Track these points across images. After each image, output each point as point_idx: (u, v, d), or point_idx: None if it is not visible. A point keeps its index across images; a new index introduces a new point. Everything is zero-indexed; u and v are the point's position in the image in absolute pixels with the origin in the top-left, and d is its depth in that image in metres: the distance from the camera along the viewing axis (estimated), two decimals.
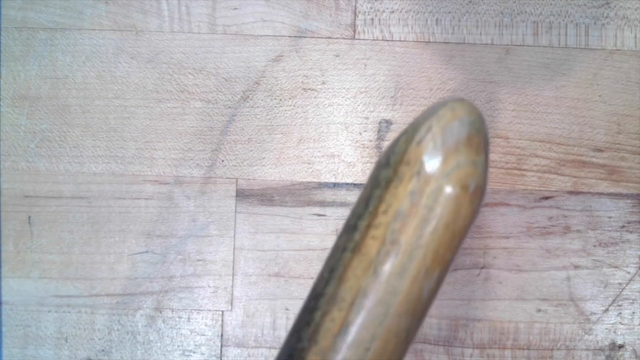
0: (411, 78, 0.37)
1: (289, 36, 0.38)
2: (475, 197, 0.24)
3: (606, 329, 0.36)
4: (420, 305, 0.25)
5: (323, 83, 0.37)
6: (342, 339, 0.24)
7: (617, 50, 0.37)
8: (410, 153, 0.24)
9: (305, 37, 0.38)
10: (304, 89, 0.37)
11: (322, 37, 0.38)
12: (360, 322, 0.24)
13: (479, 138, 0.25)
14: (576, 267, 0.37)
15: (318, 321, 0.24)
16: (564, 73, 0.37)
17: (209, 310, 0.37)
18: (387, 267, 0.24)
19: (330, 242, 0.37)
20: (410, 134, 0.24)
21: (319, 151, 0.37)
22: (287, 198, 0.37)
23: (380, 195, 0.24)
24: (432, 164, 0.24)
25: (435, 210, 0.24)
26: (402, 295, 0.24)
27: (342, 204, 0.37)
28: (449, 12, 0.38)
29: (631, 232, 0.37)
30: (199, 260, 0.37)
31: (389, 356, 0.25)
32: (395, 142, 0.26)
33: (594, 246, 0.37)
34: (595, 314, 0.36)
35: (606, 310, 0.37)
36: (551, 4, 0.38)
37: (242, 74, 0.38)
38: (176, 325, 0.37)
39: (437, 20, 0.38)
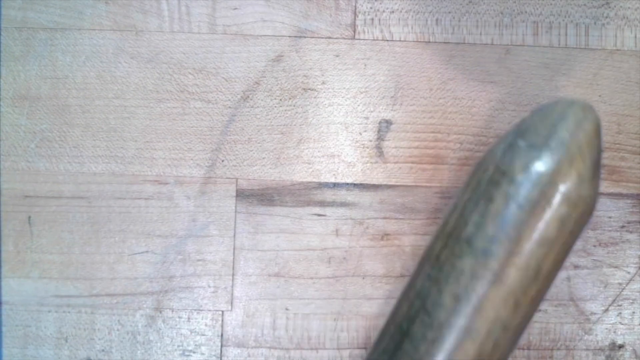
0: (411, 78, 0.37)
1: (289, 36, 0.38)
2: (593, 212, 0.24)
3: (606, 329, 0.36)
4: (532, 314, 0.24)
5: (323, 83, 0.37)
6: None
7: (617, 50, 0.37)
8: (562, 176, 0.22)
9: (305, 37, 0.38)
10: (304, 89, 0.37)
11: (322, 37, 0.38)
12: (494, 351, 0.23)
13: (595, 149, 0.24)
14: (576, 267, 0.37)
15: (448, 354, 0.22)
16: (564, 73, 0.37)
17: (209, 310, 0.37)
18: (528, 296, 0.22)
19: (330, 242, 0.37)
20: (556, 152, 0.22)
21: (319, 151, 0.37)
22: (287, 198, 0.37)
23: (525, 220, 0.22)
24: (582, 188, 0.22)
25: (576, 233, 0.23)
26: (530, 316, 0.23)
27: (342, 204, 0.37)
28: (449, 12, 0.38)
29: (631, 232, 0.37)
30: (199, 260, 0.37)
31: None
32: (531, 153, 0.23)
33: (594, 246, 0.37)
34: (595, 314, 0.36)
35: (606, 310, 0.37)
36: (551, 4, 0.38)
37: (242, 74, 0.38)
38: (176, 325, 0.37)
39: (437, 20, 0.38)
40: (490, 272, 0.22)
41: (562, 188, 0.22)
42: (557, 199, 0.22)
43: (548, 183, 0.22)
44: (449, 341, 0.22)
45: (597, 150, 0.23)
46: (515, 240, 0.22)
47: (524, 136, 0.24)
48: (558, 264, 0.23)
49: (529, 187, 0.22)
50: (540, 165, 0.23)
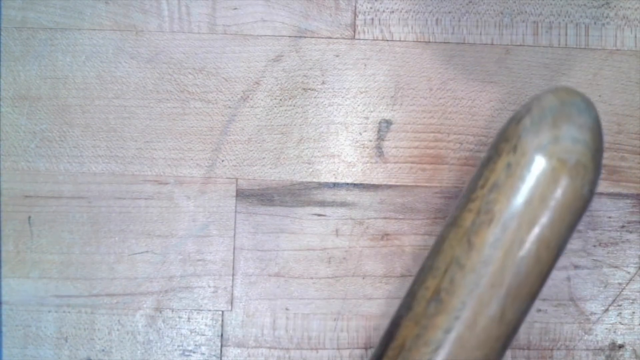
0: (411, 78, 0.37)
1: (289, 36, 0.38)
2: (576, 172, 0.24)
3: (606, 329, 0.36)
4: (517, 282, 0.24)
5: (323, 83, 0.37)
6: (434, 306, 0.24)
7: (617, 50, 0.37)
8: (510, 131, 0.25)
9: (305, 37, 0.38)
10: (304, 89, 0.37)
11: (322, 37, 0.38)
12: (451, 290, 0.24)
13: (583, 118, 0.24)
14: (576, 267, 0.37)
15: (414, 289, 0.25)
16: (564, 73, 0.37)
17: (209, 310, 0.37)
18: (480, 237, 0.24)
19: (330, 242, 0.37)
20: (513, 116, 0.25)
21: (319, 151, 0.37)
22: (287, 198, 0.37)
23: (480, 172, 0.25)
24: (528, 138, 0.24)
25: (529, 181, 0.24)
26: (495, 266, 0.24)
27: (342, 204, 0.37)
28: (449, 12, 0.38)
29: (631, 232, 0.37)
30: (199, 260, 0.37)
31: (479, 331, 0.24)
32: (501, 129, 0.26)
33: (594, 246, 0.37)
34: (595, 314, 0.36)
35: (606, 310, 0.37)
36: (551, 4, 0.38)
37: (242, 74, 0.38)
38: (176, 325, 0.37)
39: (437, 20, 0.38)
40: (451, 217, 0.25)
41: (507, 135, 0.25)
42: (500, 146, 0.24)
43: (500, 135, 0.25)
44: (419, 279, 0.26)
45: (556, 113, 0.25)
46: (472, 188, 0.25)
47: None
48: (513, 212, 0.24)
49: (491, 150, 0.25)
50: (501, 130, 0.25)
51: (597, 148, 0.25)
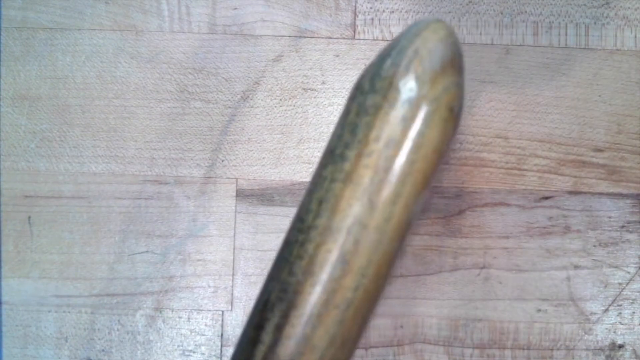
0: None
1: (289, 36, 0.38)
2: (458, 118, 0.24)
3: (606, 329, 0.36)
4: (407, 229, 0.25)
5: (323, 83, 0.37)
6: (340, 268, 0.24)
7: (617, 50, 0.37)
8: (399, 78, 0.24)
9: (305, 37, 0.38)
10: (304, 89, 0.37)
11: (322, 37, 0.38)
12: (357, 251, 0.24)
13: (459, 58, 0.25)
14: (576, 267, 0.37)
15: (312, 253, 0.24)
16: (564, 73, 0.37)
17: (209, 310, 0.37)
18: (383, 195, 0.24)
19: None
20: (395, 59, 0.24)
21: (319, 151, 0.37)
22: (287, 198, 0.37)
23: (370, 122, 0.24)
24: (423, 89, 0.23)
25: (427, 135, 0.24)
26: (395, 221, 0.24)
27: None
28: (449, 12, 0.38)
29: (631, 232, 0.37)
30: (199, 260, 0.37)
31: (382, 280, 0.25)
32: (378, 65, 0.25)
33: (594, 246, 0.37)
34: (595, 314, 0.36)
35: (606, 310, 0.37)
36: (551, 4, 0.38)
37: (242, 74, 0.38)
38: (176, 325, 0.37)
39: None
40: (343, 174, 0.24)
41: (402, 90, 0.23)
42: (397, 100, 0.23)
43: (388, 87, 0.24)
44: (314, 241, 0.24)
45: (443, 54, 0.24)
46: (364, 142, 0.24)
47: (379, 53, 0.26)
48: (411, 166, 0.23)
49: (373, 93, 0.24)
50: (381, 72, 0.24)
51: (464, 86, 0.25)
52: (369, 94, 0.24)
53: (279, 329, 0.24)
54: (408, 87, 0.23)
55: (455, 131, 0.25)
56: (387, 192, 0.24)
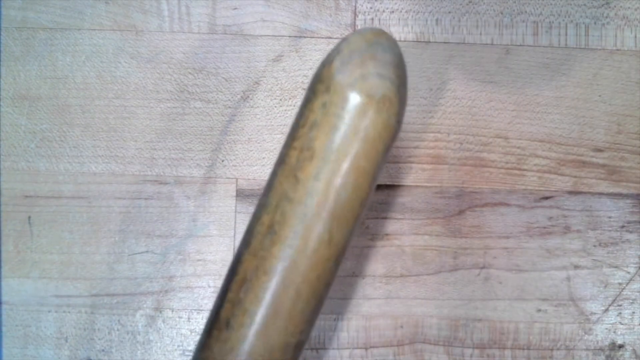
0: (411, 78, 0.37)
1: (289, 36, 0.38)
2: (383, 105, 0.26)
3: (606, 329, 0.36)
4: (340, 208, 0.26)
5: None
6: (269, 238, 0.27)
7: (617, 50, 0.37)
8: (323, 72, 0.27)
9: (305, 37, 0.38)
10: (304, 89, 0.37)
11: (322, 37, 0.38)
12: (283, 222, 0.26)
13: (388, 56, 0.27)
14: (576, 267, 0.37)
15: (252, 226, 0.27)
16: (564, 73, 0.37)
17: (209, 310, 0.37)
18: (304, 172, 0.26)
19: None
20: (325, 60, 0.27)
21: None
22: None
23: (301, 112, 0.27)
24: (339, 77, 0.26)
25: (343, 117, 0.26)
26: (319, 196, 0.26)
27: None
28: (449, 12, 0.38)
29: (631, 232, 0.37)
30: (199, 260, 0.37)
31: (310, 254, 0.27)
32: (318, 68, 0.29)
33: (594, 246, 0.37)
34: (595, 314, 0.36)
35: (606, 310, 0.37)
36: (551, 4, 0.38)
37: (242, 74, 0.38)
38: (176, 325, 0.37)
39: (437, 20, 0.38)
40: (280, 158, 0.27)
41: (324, 80, 0.26)
42: (319, 90, 0.26)
43: (315, 81, 0.27)
44: (255, 216, 0.27)
45: (363, 50, 0.27)
46: (295, 128, 0.27)
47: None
48: (330, 145, 0.26)
49: (308, 89, 0.27)
50: (316, 72, 0.27)
51: (401, 83, 0.27)
52: (306, 93, 0.27)
53: (224, 293, 0.28)
54: (327, 76, 0.26)
55: (386, 119, 0.26)
56: (309, 168, 0.26)
